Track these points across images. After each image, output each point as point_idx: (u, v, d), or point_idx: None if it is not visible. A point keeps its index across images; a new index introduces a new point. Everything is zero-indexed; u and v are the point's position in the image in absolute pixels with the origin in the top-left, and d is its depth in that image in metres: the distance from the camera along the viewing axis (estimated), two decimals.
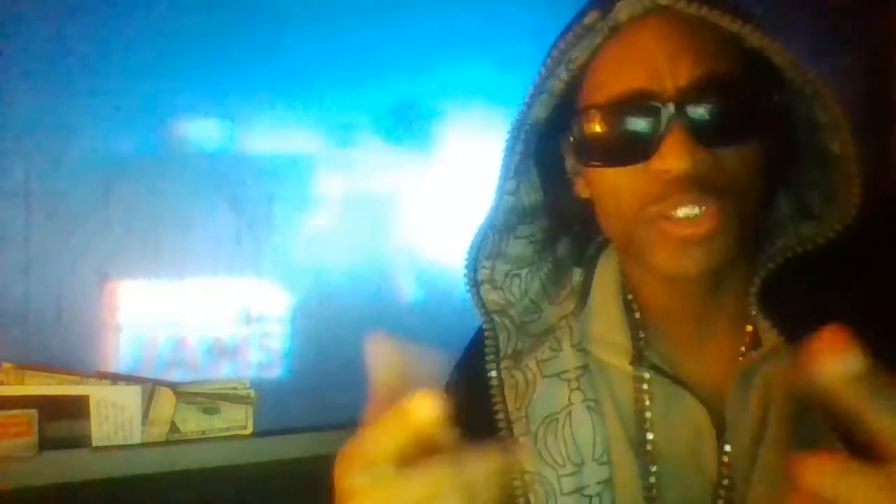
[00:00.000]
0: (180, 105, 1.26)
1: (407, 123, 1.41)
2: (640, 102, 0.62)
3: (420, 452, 0.45)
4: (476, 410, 0.76)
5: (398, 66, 1.39)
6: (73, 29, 1.19)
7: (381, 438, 0.46)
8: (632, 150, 0.63)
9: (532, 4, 1.38)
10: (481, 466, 0.48)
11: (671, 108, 0.60)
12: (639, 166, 0.62)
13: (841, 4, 1.65)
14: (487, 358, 0.75)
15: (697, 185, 0.60)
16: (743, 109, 0.62)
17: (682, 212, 0.61)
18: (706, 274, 0.63)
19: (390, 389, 0.49)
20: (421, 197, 1.41)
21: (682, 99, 0.60)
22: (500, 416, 0.74)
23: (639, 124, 0.62)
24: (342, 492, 0.48)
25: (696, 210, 0.60)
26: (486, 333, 0.76)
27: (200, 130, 1.28)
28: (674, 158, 0.59)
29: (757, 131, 0.63)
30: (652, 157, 0.61)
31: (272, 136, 1.32)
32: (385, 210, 1.39)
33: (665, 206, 0.62)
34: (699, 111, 0.60)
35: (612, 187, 0.66)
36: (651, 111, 0.61)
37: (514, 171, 0.72)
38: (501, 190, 0.72)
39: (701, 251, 0.61)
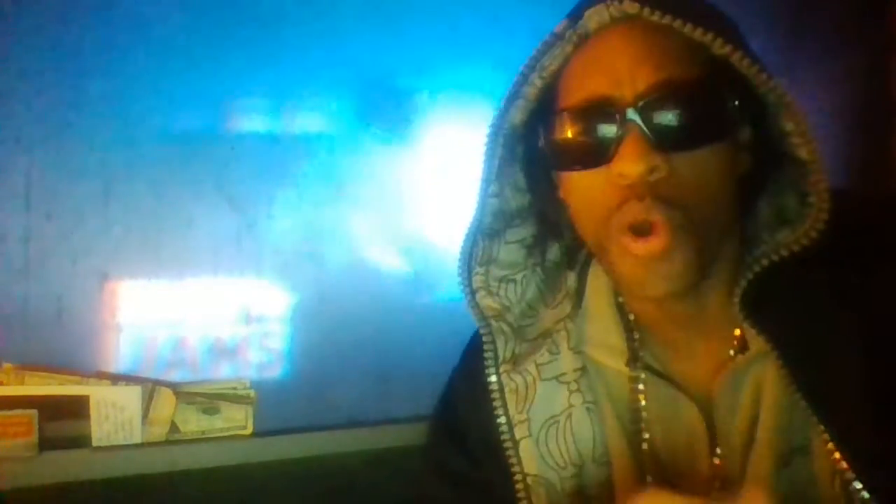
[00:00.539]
0: (180, 105, 1.26)
1: (408, 124, 1.41)
2: (601, 108, 0.63)
3: None
4: (477, 416, 0.77)
5: (400, 67, 1.40)
6: (74, 29, 1.19)
7: None
8: (594, 154, 0.64)
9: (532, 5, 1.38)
10: None
11: (629, 113, 0.61)
12: (601, 170, 0.64)
13: (842, 5, 1.65)
14: (486, 363, 0.75)
15: (652, 191, 0.61)
16: (703, 115, 0.62)
17: (636, 223, 0.62)
18: (673, 294, 0.64)
19: None
20: (422, 197, 1.41)
21: (640, 104, 0.61)
22: (502, 419, 0.74)
23: (600, 129, 0.63)
24: None
25: (647, 220, 0.61)
26: (483, 339, 0.76)
27: (201, 130, 1.27)
28: (629, 162, 0.60)
29: (716, 136, 0.63)
30: (611, 162, 0.62)
31: (272, 137, 1.32)
32: (385, 210, 1.39)
33: (622, 215, 0.63)
34: (656, 116, 0.61)
35: (580, 191, 0.68)
36: (610, 116, 0.62)
37: (496, 173, 0.73)
38: (484, 192, 0.73)
39: (662, 271, 0.62)
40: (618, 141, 0.61)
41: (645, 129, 0.61)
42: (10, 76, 1.16)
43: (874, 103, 1.64)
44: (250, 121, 1.31)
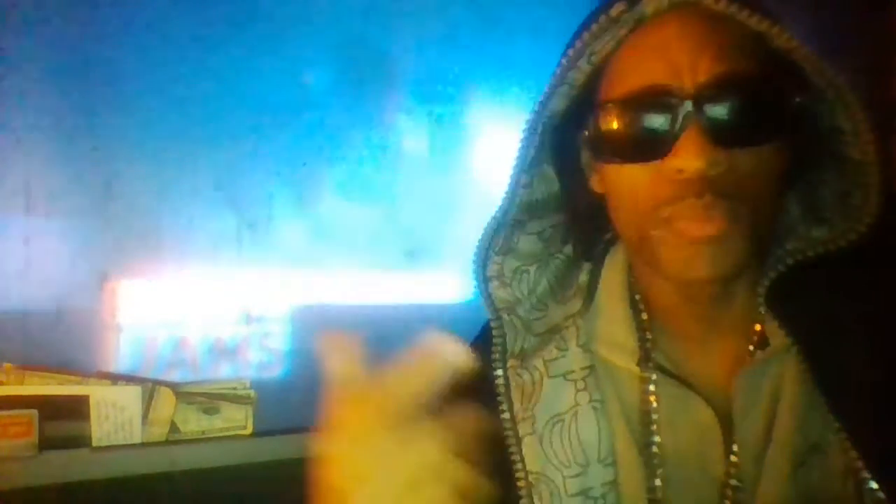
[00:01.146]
0: (180, 105, 1.26)
1: (408, 124, 1.41)
2: (658, 98, 0.60)
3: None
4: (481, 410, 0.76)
5: (400, 67, 1.39)
6: (74, 28, 1.19)
7: (396, 387, 0.49)
8: (647, 147, 0.61)
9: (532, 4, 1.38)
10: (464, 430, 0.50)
11: (688, 105, 0.59)
12: (654, 164, 0.61)
13: (841, 4, 1.65)
14: (494, 357, 0.74)
15: (712, 188, 0.59)
16: (763, 111, 0.60)
17: (694, 215, 0.60)
18: (718, 278, 0.62)
19: (349, 388, 0.50)
20: (422, 197, 1.41)
21: (701, 96, 0.59)
22: (506, 416, 0.73)
23: (655, 120, 0.60)
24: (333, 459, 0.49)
25: (706, 211, 0.59)
26: (494, 332, 0.75)
27: (200, 130, 1.27)
28: (689, 158, 0.58)
29: (776, 134, 0.61)
30: (667, 156, 0.60)
31: (273, 136, 1.32)
32: (386, 210, 1.39)
33: (678, 209, 0.60)
34: (717, 110, 0.59)
35: (627, 185, 0.65)
36: (668, 107, 0.59)
37: (529, 164, 0.70)
38: (516, 183, 0.71)
39: (712, 253, 0.60)
40: (676, 134, 0.59)
41: (705, 123, 0.58)
42: (10, 76, 1.16)
43: (874, 103, 1.64)
44: (250, 121, 1.31)
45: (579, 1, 0.69)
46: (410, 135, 1.41)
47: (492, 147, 1.39)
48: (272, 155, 1.32)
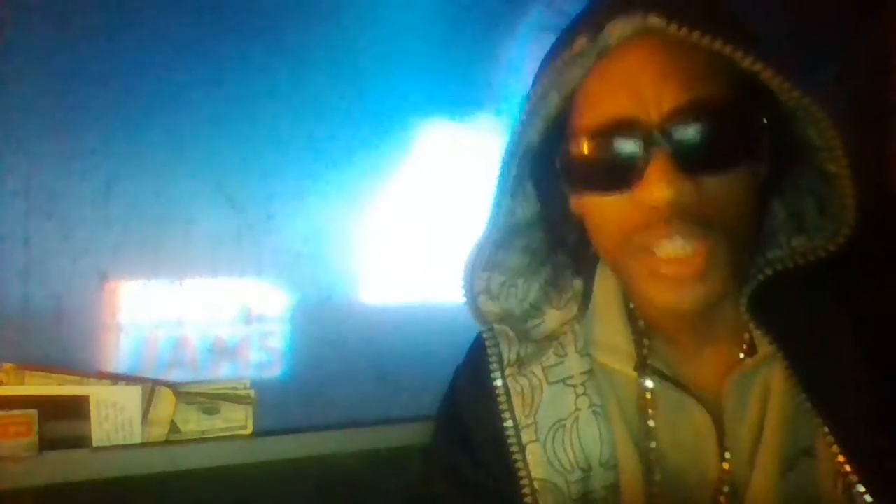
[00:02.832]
0: (180, 105, 1.26)
1: (409, 124, 1.41)
2: (624, 129, 0.60)
3: None
4: (483, 419, 0.76)
5: (400, 67, 1.39)
6: (73, 29, 1.19)
7: None
8: (616, 178, 0.61)
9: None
10: None
11: (655, 135, 0.59)
12: (625, 194, 0.61)
13: (841, 4, 1.65)
14: (491, 367, 0.75)
15: (682, 215, 0.59)
16: (730, 135, 0.60)
17: (667, 247, 0.60)
18: (698, 311, 0.62)
19: None
20: (422, 197, 1.41)
21: (666, 125, 0.59)
22: (509, 423, 0.74)
23: (623, 151, 0.60)
24: None
25: (682, 246, 0.59)
26: (487, 342, 0.75)
27: (201, 130, 1.27)
28: (657, 187, 0.58)
29: (746, 157, 0.61)
30: (636, 186, 0.60)
31: (273, 136, 1.32)
32: (386, 210, 1.39)
33: (650, 237, 0.61)
34: (683, 137, 0.59)
35: (598, 214, 0.66)
36: (635, 138, 0.59)
37: (510, 190, 0.71)
38: (497, 210, 0.71)
39: (692, 290, 0.61)
40: (643, 164, 0.59)
41: (672, 151, 0.58)
42: (9, 76, 1.15)
43: (874, 103, 1.64)
44: (251, 120, 1.31)
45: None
46: (412, 135, 1.41)
47: (490, 151, 1.39)
48: (272, 155, 1.32)
